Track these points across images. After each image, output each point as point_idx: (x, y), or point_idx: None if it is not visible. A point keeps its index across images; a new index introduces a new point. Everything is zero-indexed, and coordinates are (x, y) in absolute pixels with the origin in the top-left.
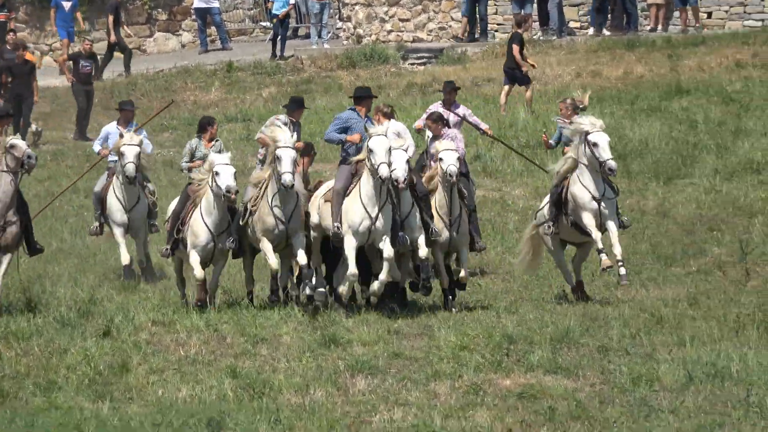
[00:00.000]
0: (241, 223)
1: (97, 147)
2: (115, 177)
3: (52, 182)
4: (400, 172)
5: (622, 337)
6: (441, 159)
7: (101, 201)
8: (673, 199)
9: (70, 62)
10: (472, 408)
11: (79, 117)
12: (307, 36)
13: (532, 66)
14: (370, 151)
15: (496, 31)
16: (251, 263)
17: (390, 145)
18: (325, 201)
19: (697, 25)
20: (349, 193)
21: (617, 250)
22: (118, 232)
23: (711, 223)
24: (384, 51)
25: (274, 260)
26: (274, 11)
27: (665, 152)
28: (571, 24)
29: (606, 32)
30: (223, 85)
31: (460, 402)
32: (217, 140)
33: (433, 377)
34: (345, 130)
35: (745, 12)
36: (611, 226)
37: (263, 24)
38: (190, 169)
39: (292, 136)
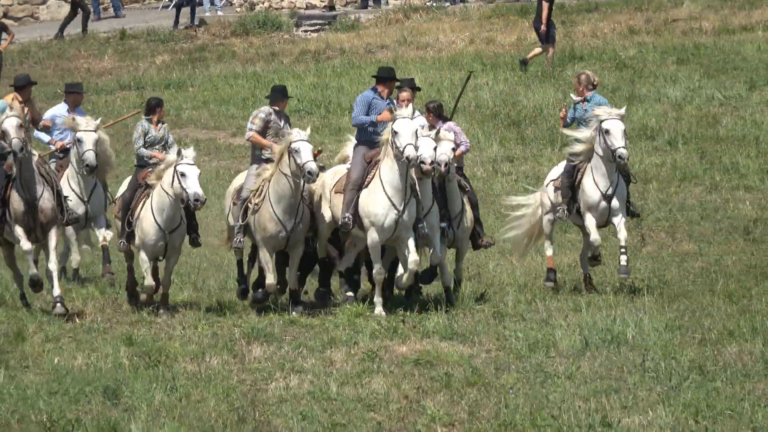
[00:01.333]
0: (241, 222)
1: (44, 136)
2: (69, 167)
3: None
4: (427, 153)
5: (517, 303)
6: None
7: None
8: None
9: None
10: (368, 375)
11: None
12: (201, 3)
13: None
14: (395, 133)
15: None
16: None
17: (416, 129)
18: (336, 192)
19: None
20: (367, 184)
21: (622, 236)
22: (71, 229)
23: None
24: (277, 18)
25: (271, 277)
26: None
27: (556, 118)
28: None
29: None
30: (116, 52)
31: (356, 369)
32: (162, 123)
33: (329, 344)
34: (368, 111)
35: None
36: (616, 220)
37: None
38: (150, 157)
39: (283, 126)
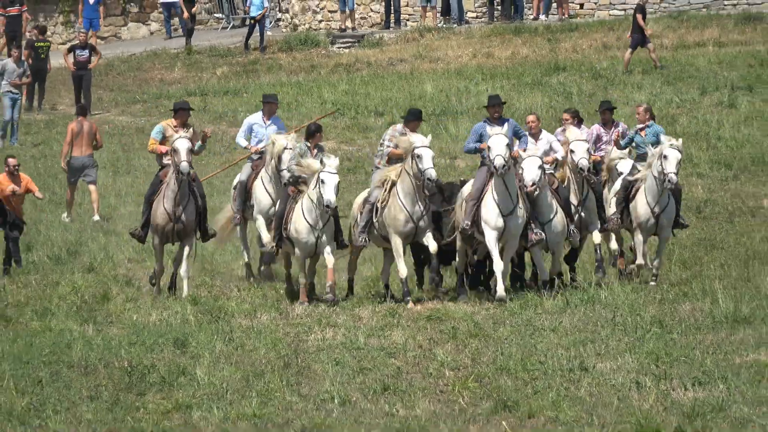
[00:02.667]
0: (376, 218)
1: (242, 141)
2: (263, 170)
3: (45, 146)
4: (499, 159)
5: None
6: (572, 150)
7: (246, 191)
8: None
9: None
10: (389, 328)
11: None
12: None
13: (649, 31)
14: (489, 148)
15: (407, 20)
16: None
17: (507, 142)
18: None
19: (565, 15)
20: (483, 196)
21: (657, 263)
22: (261, 221)
23: None
24: (316, 37)
25: (404, 269)
26: (251, 14)
27: (546, 119)
28: (469, 14)
29: (497, 21)
30: (184, 65)
31: (380, 324)
32: (320, 147)
33: (358, 304)
34: (480, 140)
35: (610, 3)
36: (664, 238)
37: (217, 15)
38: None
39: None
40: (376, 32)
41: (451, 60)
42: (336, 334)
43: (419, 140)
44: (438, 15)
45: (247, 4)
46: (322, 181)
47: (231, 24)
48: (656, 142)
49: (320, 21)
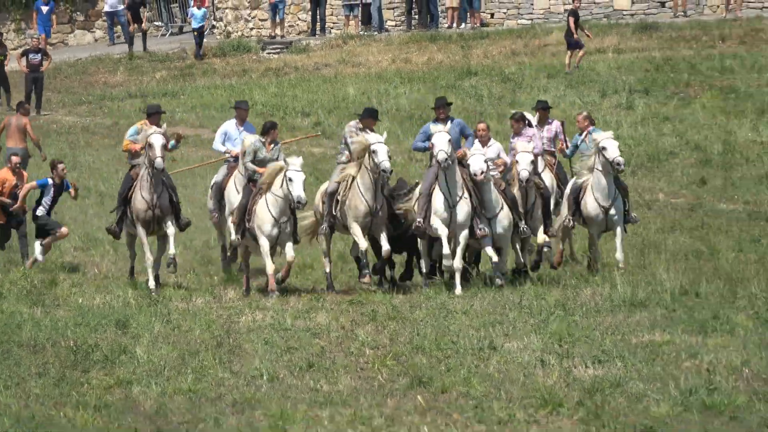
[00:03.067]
0: (335, 212)
1: (220, 147)
2: (236, 172)
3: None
4: (441, 154)
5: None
6: (517, 161)
7: (221, 191)
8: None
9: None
10: (314, 311)
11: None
12: (189, 32)
13: (588, 36)
14: (432, 144)
15: (332, 28)
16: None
17: (449, 138)
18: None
19: (477, 24)
20: (432, 191)
21: (619, 256)
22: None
23: None
24: (247, 43)
25: (363, 242)
26: (193, 26)
27: (460, 118)
28: (388, 23)
29: (414, 29)
30: (126, 69)
31: (305, 307)
32: (276, 144)
33: (285, 291)
34: (428, 138)
35: (518, 13)
36: (618, 232)
37: (157, 24)
38: (254, 172)
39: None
40: (303, 39)
41: (371, 65)
42: (265, 317)
43: (374, 138)
44: (360, 23)
45: (189, 16)
46: (290, 180)
47: (169, 31)
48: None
49: (252, 29)
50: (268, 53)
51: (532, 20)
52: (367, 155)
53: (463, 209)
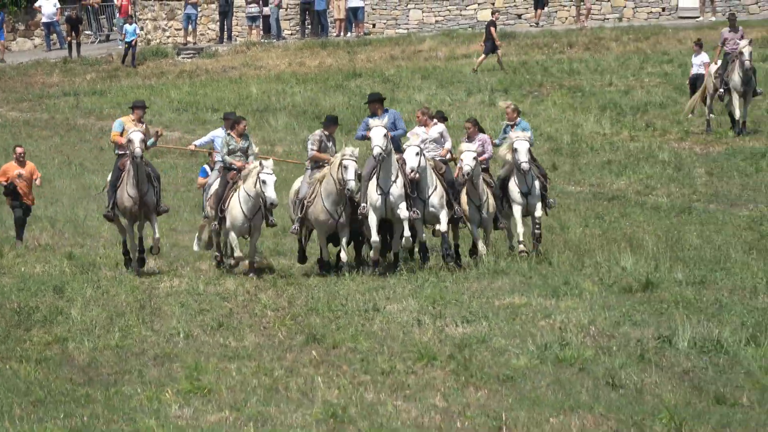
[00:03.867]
0: (300, 214)
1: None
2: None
3: None
4: (377, 149)
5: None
6: (461, 159)
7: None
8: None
9: None
10: (224, 278)
11: None
12: (115, 40)
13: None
14: (370, 138)
15: (237, 36)
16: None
17: (384, 133)
18: None
19: (361, 33)
20: (370, 180)
21: (521, 230)
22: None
23: None
24: (165, 49)
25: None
26: (126, 40)
27: (347, 114)
28: (285, 32)
29: (307, 37)
30: (61, 72)
31: (216, 274)
32: (246, 136)
33: (199, 259)
34: (367, 128)
35: (396, 24)
36: (536, 209)
37: (87, 32)
38: (230, 164)
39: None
40: (213, 46)
41: (271, 68)
42: (181, 283)
43: (348, 152)
44: (261, 32)
45: (123, 32)
46: (264, 182)
47: (98, 39)
48: None
49: (168, 37)
50: (183, 58)
51: (408, 30)
52: (336, 166)
53: (394, 193)
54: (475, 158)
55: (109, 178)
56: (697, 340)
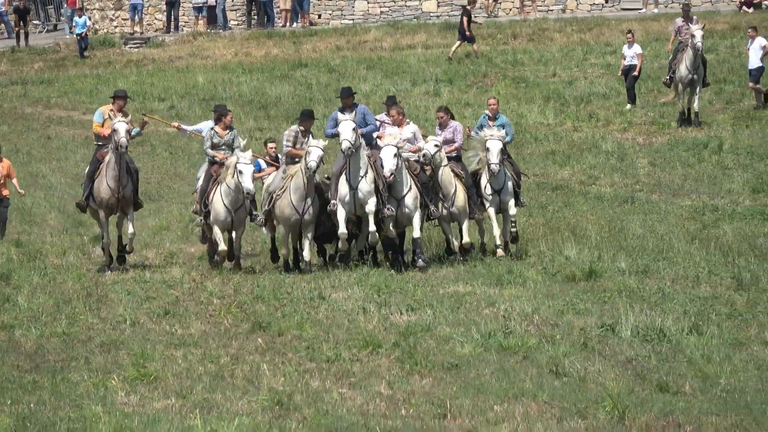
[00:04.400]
0: (267, 207)
1: (209, 152)
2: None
3: None
4: (345, 143)
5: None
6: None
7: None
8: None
9: None
10: (170, 266)
11: None
12: (63, 30)
13: (473, 34)
14: (339, 134)
15: (184, 26)
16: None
17: (353, 126)
18: None
19: (307, 23)
20: (341, 174)
21: (497, 232)
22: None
23: None
24: (112, 39)
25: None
26: (77, 32)
27: (292, 104)
28: (231, 22)
29: (253, 27)
30: (9, 61)
31: (162, 263)
32: (232, 129)
33: (145, 247)
34: (336, 125)
35: (342, 14)
36: (510, 207)
37: (35, 22)
38: (214, 156)
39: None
40: (160, 36)
41: (218, 57)
42: (128, 271)
43: (315, 142)
44: (207, 23)
45: (73, 24)
46: (240, 172)
47: (45, 29)
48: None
49: (116, 27)
50: (130, 48)
51: (354, 20)
52: (304, 156)
53: (364, 188)
54: (437, 145)
55: (86, 170)
56: (640, 328)
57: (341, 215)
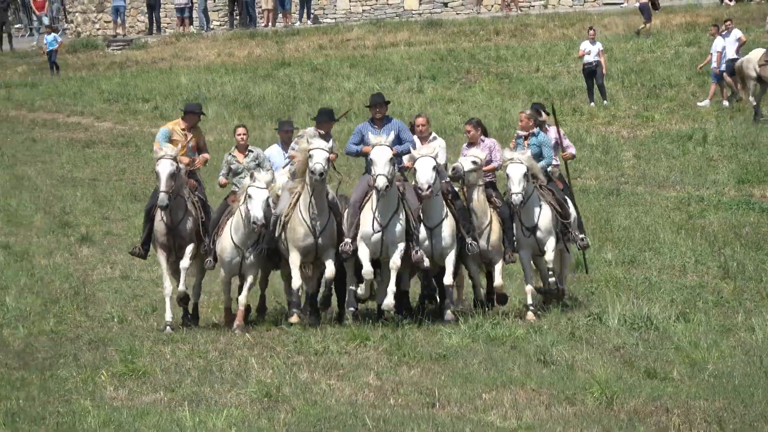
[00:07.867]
0: (276, 234)
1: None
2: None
3: None
4: (381, 180)
5: None
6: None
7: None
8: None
9: None
10: (156, 265)
11: None
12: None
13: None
14: (372, 161)
15: (166, 28)
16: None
17: (390, 156)
18: None
19: (290, 23)
20: (364, 205)
21: (528, 288)
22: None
23: None
24: (95, 41)
25: (298, 279)
26: (48, 48)
27: (276, 103)
28: (214, 23)
29: (236, 28)
30: None
31: (149, 262)
32: (251, 150)
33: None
34: (362, 141)
35: (324, 13)
36: (548, 249)
37: (17, 26)
38: (223, 185)
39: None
40: (142, 37)
41: (201, 58)
42: (115, 270)
43: (316, 143)
44: (190, 24)
45: (45, 42)
46: (250, 196)
47: (29, 32)
48: (539, 154)
49: (98, 29)
50: (113, 49)
51: (336, 19)
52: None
53: (395, 228)
54: (475, 162)
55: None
56: (627, 317)
57: (365, 253)
